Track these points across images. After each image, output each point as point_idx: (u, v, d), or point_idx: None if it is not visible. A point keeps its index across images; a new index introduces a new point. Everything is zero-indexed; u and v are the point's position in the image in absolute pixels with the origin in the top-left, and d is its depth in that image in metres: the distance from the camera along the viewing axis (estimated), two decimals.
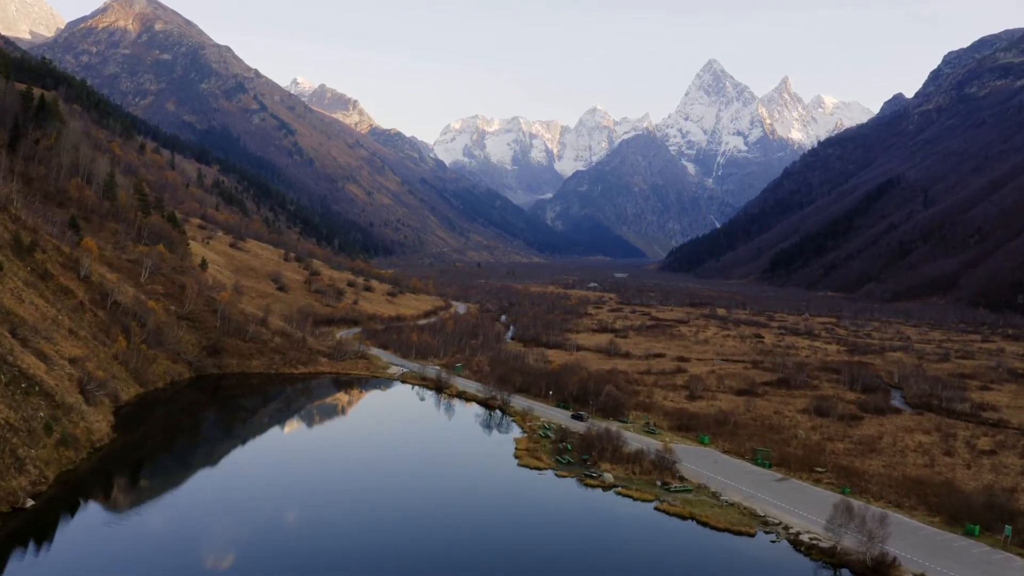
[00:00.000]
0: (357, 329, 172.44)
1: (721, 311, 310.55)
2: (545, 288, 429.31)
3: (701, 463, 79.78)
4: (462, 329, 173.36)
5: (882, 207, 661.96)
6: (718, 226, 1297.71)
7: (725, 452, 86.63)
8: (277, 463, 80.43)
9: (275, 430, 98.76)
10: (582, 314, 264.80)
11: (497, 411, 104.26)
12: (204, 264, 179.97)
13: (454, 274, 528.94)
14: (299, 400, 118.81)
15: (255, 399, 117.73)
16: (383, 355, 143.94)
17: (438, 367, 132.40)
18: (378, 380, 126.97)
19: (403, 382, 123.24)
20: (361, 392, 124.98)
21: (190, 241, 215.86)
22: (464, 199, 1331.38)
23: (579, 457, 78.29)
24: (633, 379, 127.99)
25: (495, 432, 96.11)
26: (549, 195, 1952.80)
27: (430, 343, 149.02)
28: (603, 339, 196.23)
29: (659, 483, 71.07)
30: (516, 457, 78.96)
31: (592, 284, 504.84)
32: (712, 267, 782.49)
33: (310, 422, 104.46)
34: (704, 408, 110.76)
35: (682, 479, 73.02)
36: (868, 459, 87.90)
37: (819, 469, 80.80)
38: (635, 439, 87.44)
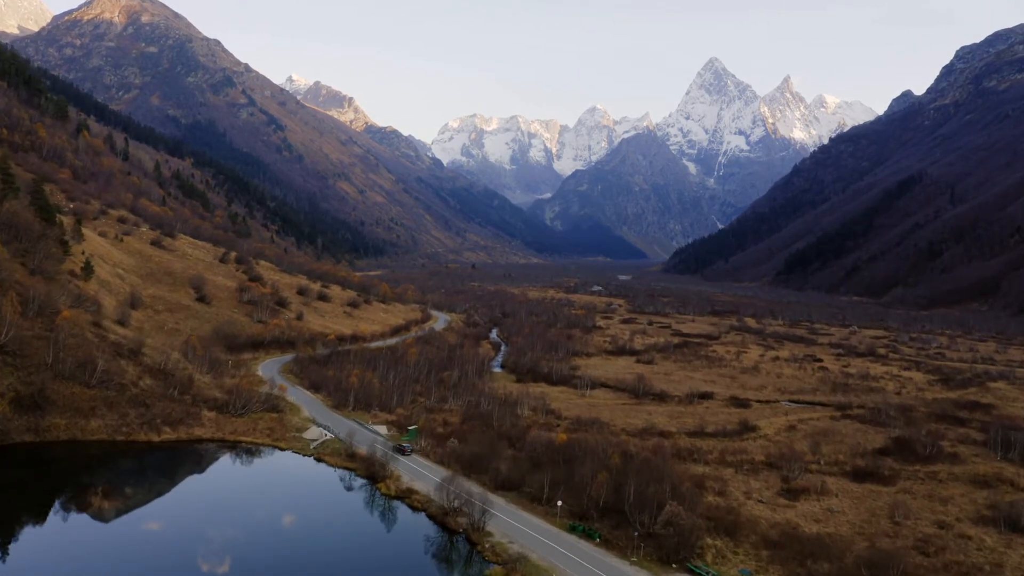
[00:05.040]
0: (289, 357, 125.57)
1: (751, 321, 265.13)
2: (544, 292, 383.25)
3: None
4: (431, 357, 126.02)
5: (904, 205, 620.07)
6: (720, 226, 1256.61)
7: None
8: None
9: None
10: (590, 328, 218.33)
11: (462, 538, 57.82)
12: (88, 268, 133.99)
13: (445, 276, 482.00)
14: (114, 497, 71.01)
15: (61, 484, 71.56)
16: (307, 403, 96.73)
17: (384, 427, 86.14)
18: (282, 454, 79.58)
19: (319, 460, 77.36)
20: (242, 480, 76.32)
21: (97, 237, 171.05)
22: (461, 198, 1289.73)
23: None
24: (685, 449, 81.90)
25: None
26: (548, 195, 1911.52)
27: (376, 387, 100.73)
28: (622, 365, 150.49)
29: None
30: None
31: (596, 287, 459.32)
32: (721, 268, 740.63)
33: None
34: (820, 516, 65.11)
35: None
36: None
37: None
38: None
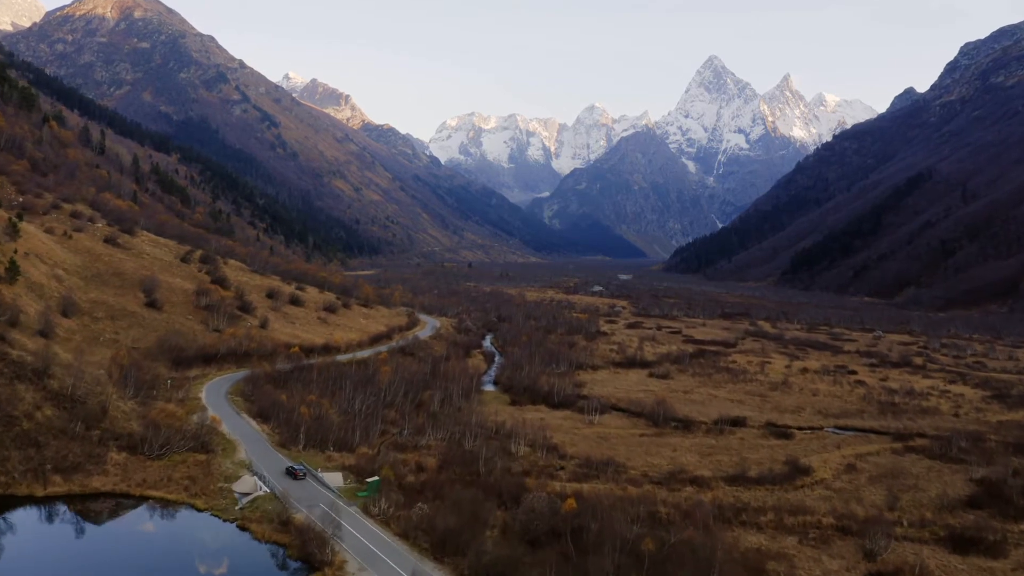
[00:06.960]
0: (244, 373, 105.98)
1: (766, 325, 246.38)
2: (543, 293, 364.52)
3: None
4: (410, 374, 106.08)
5: (914, 203, 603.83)
6: (720, 225, 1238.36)
7: None
8: None
9: None
10: (594, 334, 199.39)
11: None
12: (14, 268, 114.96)
13: (439, 276, 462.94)
14: None
15: None
16: (248, 438, 75.90)
17: (340, 475, 67.16)
18: (198, 516, 58.85)
19: (243, 527, 56.86)
20: (130, 562, 54.47)
21: (40, 233, 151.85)
22: (459, 197, 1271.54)
23: None
24: (729, 505, 62.89)
25: None
26: (546, 193, 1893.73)
27: (334, 418, 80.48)
28: (634, 380, 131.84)
29: None
30: None
31: (596, 288, 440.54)
32: (724, 268, 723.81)
33: None
34: None
35: None
36: None
37: None
38: None
